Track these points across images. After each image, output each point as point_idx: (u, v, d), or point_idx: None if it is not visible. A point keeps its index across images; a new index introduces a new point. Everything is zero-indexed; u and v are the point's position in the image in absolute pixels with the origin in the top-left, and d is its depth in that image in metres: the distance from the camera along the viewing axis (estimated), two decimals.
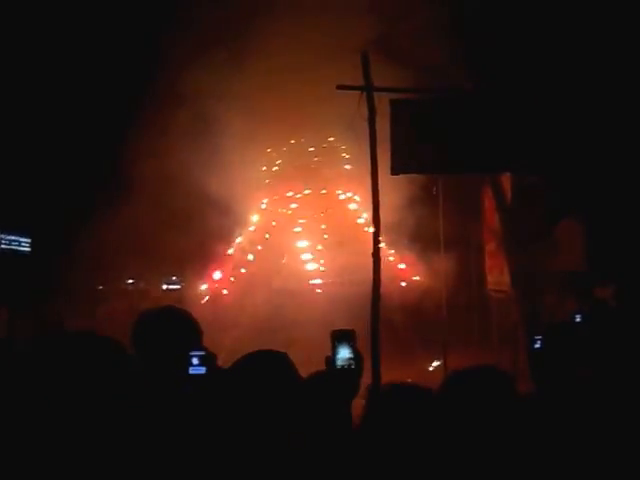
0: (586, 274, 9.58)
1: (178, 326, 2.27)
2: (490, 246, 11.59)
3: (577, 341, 3.01)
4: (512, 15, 8.92)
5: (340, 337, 2.20)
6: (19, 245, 16.11)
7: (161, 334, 2.23)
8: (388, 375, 7.07)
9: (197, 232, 15.46)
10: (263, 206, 17.55)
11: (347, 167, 17.07)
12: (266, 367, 2.06)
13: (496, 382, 2.39)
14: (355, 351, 2.21)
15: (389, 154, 7.05)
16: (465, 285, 13.08)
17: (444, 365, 10.51)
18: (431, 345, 11.88)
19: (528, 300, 10.13)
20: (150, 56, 14.33)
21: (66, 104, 14.70)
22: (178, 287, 16.35)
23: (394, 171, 7.12)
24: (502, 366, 8.95)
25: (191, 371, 2.08)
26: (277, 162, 17.83)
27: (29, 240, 16.11)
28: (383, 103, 6.96)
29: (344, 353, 2.18)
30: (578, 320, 4.01)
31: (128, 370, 1.84)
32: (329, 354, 2.21)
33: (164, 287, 16.45)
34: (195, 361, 2.09)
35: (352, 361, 2.18)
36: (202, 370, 2.09)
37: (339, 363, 2.18)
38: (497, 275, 11.09)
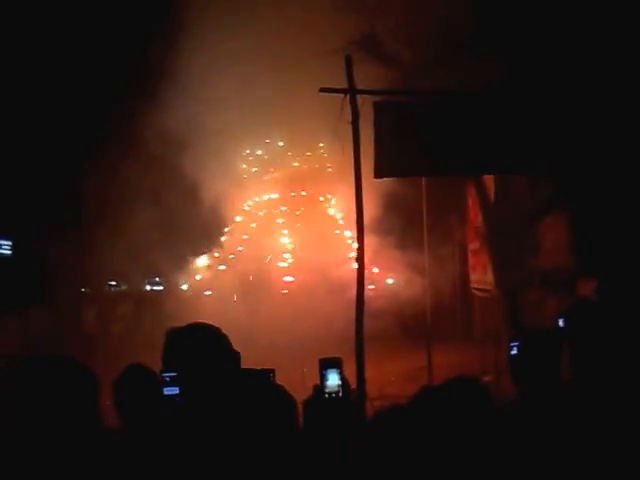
0: (568, 271, 9.68)
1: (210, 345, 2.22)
2: (473, 245, 11.63)
3: (554, 347, 3.03)
4: (499, 18, 8.92)
5: (328, 365, 2.21)
6: None
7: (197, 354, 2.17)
8: (372, 373, 7.15)
9: (180, 231, 15.42)
10: (246, 207, 17.51)
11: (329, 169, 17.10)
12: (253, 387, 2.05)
13: (470, 394, 2.41)
14: (343, 378, 2.21)
15: (372, 157, 7.03)
16: (449, 284, 13.14)
17: (428, 364, 10.57)
18: (415, 344, 11.95)
19: (511, 298, 10.19)
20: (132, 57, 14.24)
21: (43, 104, 14.53)
22: (161, 288, 16.26)
23: (377, 174, 7.10)
24: (485, 364, 8.95)
25: (165, 392, 2.07)
26: (258, 162, 17.80)
27: (10, 242, 15.92)
28: (367, 105, 6.94)
29: (333, 380, 2.19)
30: (561, 324, 3.97)
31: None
32: (317, 383, 2.22)
33: (147, 288, 16.35)
34: (168, 382, 2.08)
35: (340, 388, 2.19)
36: (175, 390, 2.07)
37: (328, 390, 2.18)
38: (480, 274, 11.13)
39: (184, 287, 16.08)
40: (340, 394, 2.23)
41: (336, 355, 2.30)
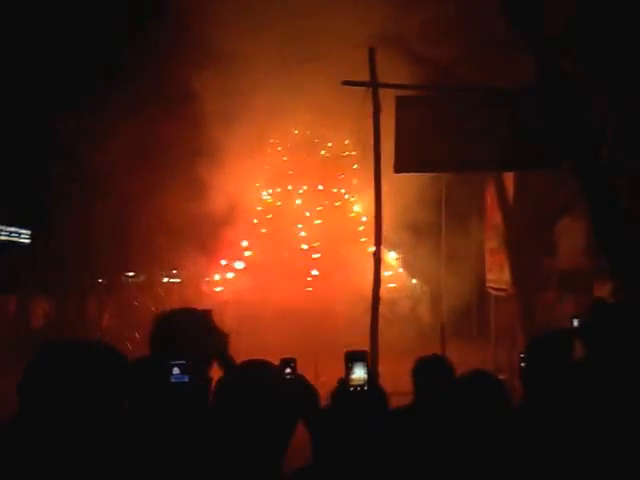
0: (585, 272, 9.59)
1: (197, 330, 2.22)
2: (491, 243, 11.57)
3: (562, 354, 3.01)
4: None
5: (355, 357, 2.19)
6: (19, 237, 16.13)
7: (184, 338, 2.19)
8: (386, 369, 7.14)
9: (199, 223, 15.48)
10: (268, 198, 17.50)
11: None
12: (261, 380, 2.04)
13: (488, 390, 2.40)
14: (369, 372, 2.20)
15: (393, 151, 7.00)
16: (465, 282, 13.09)
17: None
18: (430, 341, 11.93)
19: (527, 298, 10.13)
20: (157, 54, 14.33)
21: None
22: (179, 280, 16.29)
23: (397, 169, 7.07)
24: (499, 363, 8.88)
25: (173, 379, 2.07)
26: (280, 154, 17.83)
27: (29, 232, 16.10)
28: (389, 99, 6.93)
29: (359, 373, 2.17)
30: (576, 325, 3.92)
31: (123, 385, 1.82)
32: (342, 376, 2.20)
33: (165, 280, 16.38)
34: (176, 370, 2.07)
35: (366, 382, 2.17)
36: (185, 378, 2.07)
37: (353, 384, 2.17)
38: (497, 273, 11.07)
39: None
40: (365, 388, 2.21)
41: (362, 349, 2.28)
